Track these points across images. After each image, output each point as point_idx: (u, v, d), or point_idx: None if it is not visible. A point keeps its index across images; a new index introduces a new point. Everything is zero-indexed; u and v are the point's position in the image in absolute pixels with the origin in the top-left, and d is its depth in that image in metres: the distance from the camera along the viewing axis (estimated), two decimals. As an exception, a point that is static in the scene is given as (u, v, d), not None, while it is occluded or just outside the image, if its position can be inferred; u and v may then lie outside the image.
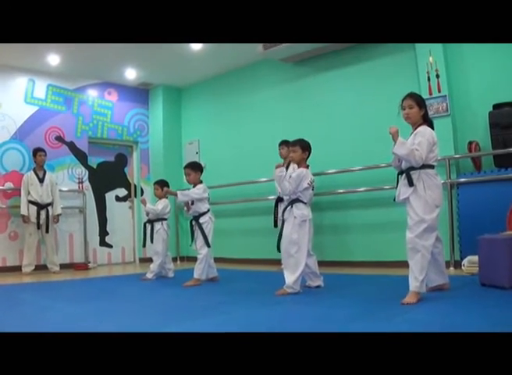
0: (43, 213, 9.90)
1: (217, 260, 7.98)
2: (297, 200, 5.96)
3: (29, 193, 9.86)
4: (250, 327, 4.05)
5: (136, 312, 5.19)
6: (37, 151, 10.11)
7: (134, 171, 12.53)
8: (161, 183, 8.67)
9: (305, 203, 5.97)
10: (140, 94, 12.52)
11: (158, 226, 8.48)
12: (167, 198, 8.63)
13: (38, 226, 9.85)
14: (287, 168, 7.51)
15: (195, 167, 7.70)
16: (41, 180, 10.00)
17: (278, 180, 6.04)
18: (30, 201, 9.85)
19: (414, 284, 4.73)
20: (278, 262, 8.00)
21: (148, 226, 8.61)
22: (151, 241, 8.50)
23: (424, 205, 4.78)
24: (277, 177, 6.03)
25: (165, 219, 8.56)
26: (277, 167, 6.07)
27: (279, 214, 8.31)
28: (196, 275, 7.25)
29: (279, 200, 8.56)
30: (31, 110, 10.76)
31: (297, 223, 5.88)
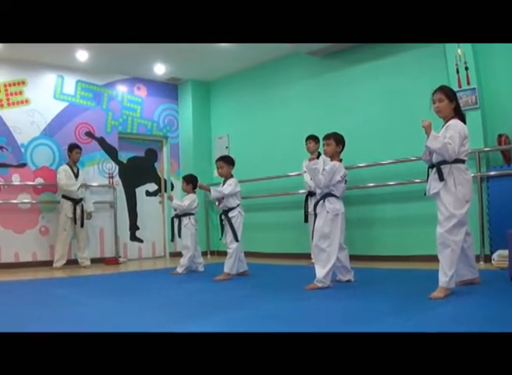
0: (78, 208, 10.01)
1: (247, 254, 8.01)
2: (329, 194, 5.96)
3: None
4: (279, 322, 4.08)
5: (165, 306, 5.24)
6: (73, 148, 10.21)
7: (164, 166, 12.60)
8: (188, 179, 8.77)
9: (337, 197, 5.97)
10: (170, 89, 12.59)
11: (185, 220, 8.53)
12: (195, 192, 8.69)
13: (74, 221, 9.96)
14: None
15: (228, 161, 7.70)
16: (76, 176, 10.12)
17: (312, 172, 6.02)
18: (65, 197, 9.96)
19: (443, 279, 4.72)
20: (308, 256, 8.03)
21: (176, 221, 8.66)
22: (179, 235, 8.55)
23: (454, 201, 4.77)
24: (311, 170, 6.01)
25: (193, 214, 8.60)
26: (310, 160, 6.08)
27: (310, 208, 8.38)
28: (226, 269, 7.28)
29: (310, 194, 8.59)
30: (61, 106, 10.87)
31: (330, 218, 5.87)
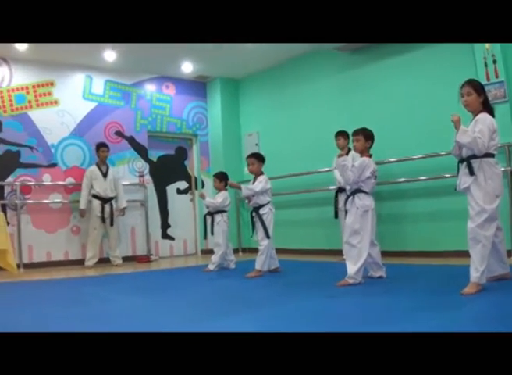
0: (107, 207, 10.09)
1: (278, 251, 7.99)
2: (359, 190, 5.95)
3: (92, 187, 10.07)
4: (309, 320, 4.08)
5: (197, 304, 5.28)
6: (100, 147, 10.30)
7: (194, 164, 12.64)
8: (220, 176, 8.76)
9: (367, 193, 5.95)
10: (198, 87, 12.62)
11: (218, 218, 8.54)
12: (226, 190, 8.70)
13: (103, 220, 10.04)
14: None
15: (259, 157, 7.71)
16: (105, 175, 10.20)
17: (341, 169, 6.02)
18: (94, 196, 10.06)
19: (474, 275, 4.68)
20: (339, 252, 8.01)
21: (209, 219, 8.68)
22: (212, 232, 8.56)
23: (484, 195, 4.73)
24: (340, 166, 6.00)
25: (225, 211, 8.62)
26: (339, 156, 6.08)
27: (340, 204, 8.37)
28: (257, 266, 7.31)
29: (340, 190, 8.57)
30: (90, 106, 10.97)
31: (360, 214, 5.86)
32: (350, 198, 5.99)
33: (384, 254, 6.46)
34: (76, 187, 10.40)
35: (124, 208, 10.43)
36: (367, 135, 6.07)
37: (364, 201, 5.89)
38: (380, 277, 6.12)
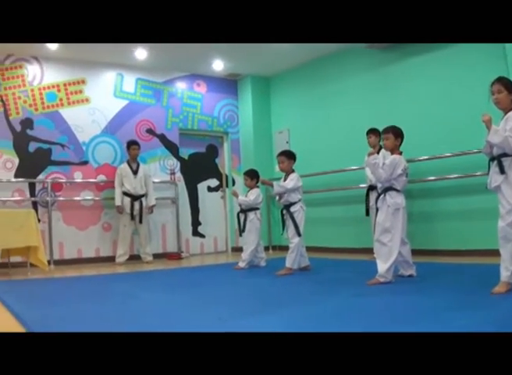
0: (136, 204, 10.15)
1: (309, 249, 8.01)
2: (390, 188, 5.92)
3: (123, 185, 10.14)
4: (340, 318, 4.10)
5: (227, 301, 5.30)
6: (131, 145, 10.36)
7: (225, 161, 12.67)
8: (252, 174, 8.77)
9: (398, 191, 5.93)
10: (229, 84, 12.65)
11: (251, 215, 8.56)
12: (258, 187, 8.72)
13: (132, 217, 10.10)
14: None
15: (289, 155, 7.71)
16: (135, 172, 10.26)
17: (372, 167, 6.00)
18: (124, 193, 10.13)
19: (504, 274, 4.64)
20: (370, 250, 8.00)
21: (242, 216, 8.69)
22: (243, 230, 8.58)
23: (515, 194, 4.71)
24: (371, 165, 5.99)
25: (258, 209, 8.63)
26: (370, 154, 6.07)
27: (371, 202, 8.35)
28: (288, 264, 7.31)
29: (371, 188, 8.55)
30: (121, 104, 11.07)
31: (391, 212, 5.83)
32: (382, 196, 5.98)
33: (414, 252, 6.44)
34: (108, 185, 10.51)
35: (153, 206, 10.46)
36: (396, 133, 6.04)
37: (395, 200, 5.87)
38: (410, 276, 6.10)
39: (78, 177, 10.34)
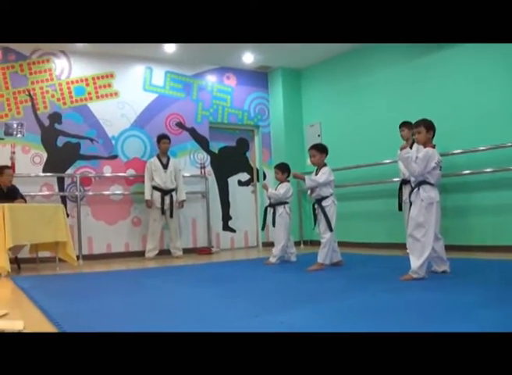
0: (167, 199, 10.15)
1: (341, 244, 7.93)
2: (424, 182, 5.83)
3: (153, 179, 10.13)
4: (371, 315, 4.03)
5: (257, 296, 5.25)
6: (161, 138, 10.36)
7: (256, 155, 12.63)
8: (283, 167, 8.69)
9: (432, 185, 5.84)
10: (259, 77, 12.58)
11: (280, 209, 8.49)
12: (289, 181, 8.65)
13: (163, 212, 10.09)
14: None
15: (321, 149, 7.63)
16: (165, 167, 10.26)
17: (404, 161, 5.93)
18: (154, 187, 10.14)
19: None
20: (403, 246, 7.91)
21: (270, 210, 8.65)
22: (273, 224, 8.54)
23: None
24: (403, 159, 5.91)
25: (287, 203, 8.56)
26: (402, 148, 5.99)
27: (404, 196, 8.26)
28: (319, 259, 7.25)
29: (404, 182, 8.45)
30: (150, 97, 11.07)
31: (424, 206, 5.75)
32: (415, 190, 5.89)
33: (450, 248, 6.38)
34: (137, 179, 10.52)
35: (183, 201, 10.46)
36: (427, 126, 5.95)
37: (429, 193, 5.78)
38: (444, 272, 6.00)
39: (107, 171, 10.37)
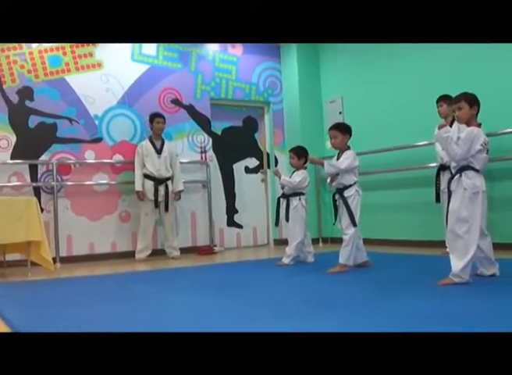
0: (161, 189, 10.06)
1: (366, 242, 7.83)
2: (468, 167, 5.70)
3: (144, 166, 10.04)
4: (402, 327, 3.91)
5: (268, 304, 5.18)
6: (154, 117, 10.23)
7: (266, 137, 12.61)
8: (299, 151, 8.57)
9: (477, 170, 5.73)
10: (270, 45, 12.48)
11: (295, 201, 8.40)
12: (306, 168, 8.57)
13: (156, 205, 10.00)
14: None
15: (343, 129, 7.51)
16: (159, 151, 10.16)
17: (443, 142, 5.80)
18: (146, 176, 10.04)
19: None
20: (441, 244, 7.83)
21: (283, 202, 8.56)
22: (287, 219, 8.45)
23: None
24: (441, 139, 5.80)
25: (303, 194, 8.48)
26: (440, 127, 5.86)
27: (442, 185, 8.15)
28: (342, 260, 7.16)
29: (442, 168, 8.35)
30: (140, 70, 10.96)
31: (468, 196, 5.65)
32: (456, 177, 5.77)
33: (499, 247, 6.30)
34: (126, 166, 10.46)
35: (180, 192, 10.39)
36: (470, 100, 5.82)
37: (473, 181, 5.65)
38: (493, 276, 5.89)
39: (90, 157, 10.26)
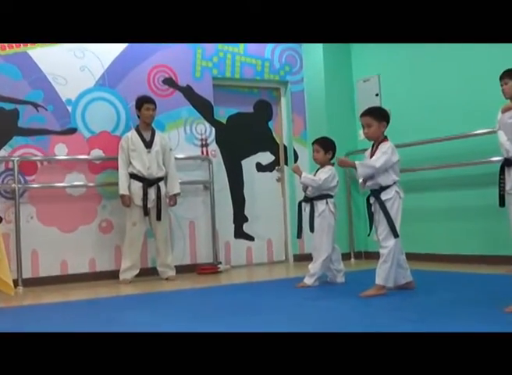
0: (152, 192, 9.94)
1: (410, 257, 7.74)
2: (542, 162, 5.66)
3: (130, 163, 9.93)
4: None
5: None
6: (143, 103, 10.09)
7: (283, 126, 12.59)
8: (325, 144, 8.50)
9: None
10: (288, 11, 12.44)
11: (321, 206, 8.30)
12: (333, 164, 8.45)
13: (146, 212, 9.89)
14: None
15: (379, 115, 7.37)
16: (149, 145, 10.05)
17: (508, 130, 5.70)
18: (133, 176, 9.93)
19: None
20: (507, 260, 7.71)
21: (306, 207, 8.48)
22: (311, 228, 8.35)
23: None
24: (506, 126, 5.70)
25: (331, 196, 8.36)
26: (505, 111, 5.72)
27: (508, 185, 8.01)
28: (379, 280, 7.07)
29: (508, 163, 8.21)
30: (123, 43, 10.88)
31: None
32: (527, 175, 5.67)
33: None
34: (107, 164, 10.40)
35: (176, 196, 10.29)
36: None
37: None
38: None
39: (61, 153, 10.21)
